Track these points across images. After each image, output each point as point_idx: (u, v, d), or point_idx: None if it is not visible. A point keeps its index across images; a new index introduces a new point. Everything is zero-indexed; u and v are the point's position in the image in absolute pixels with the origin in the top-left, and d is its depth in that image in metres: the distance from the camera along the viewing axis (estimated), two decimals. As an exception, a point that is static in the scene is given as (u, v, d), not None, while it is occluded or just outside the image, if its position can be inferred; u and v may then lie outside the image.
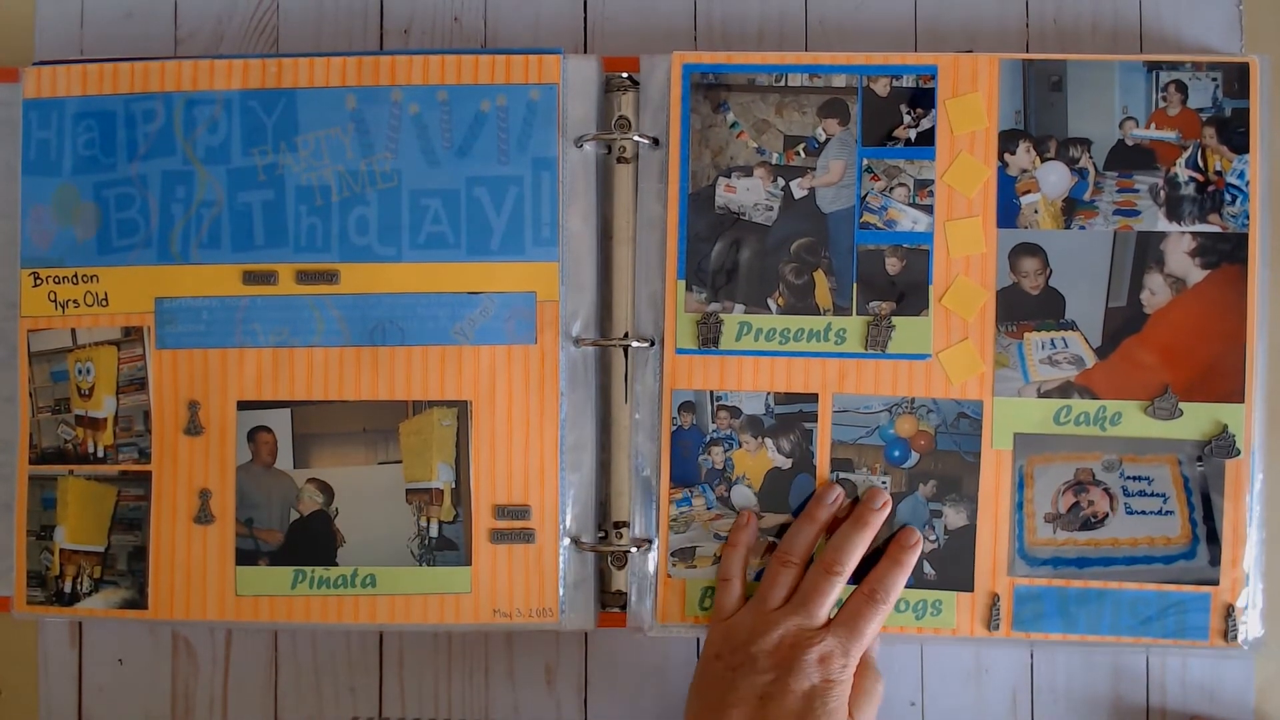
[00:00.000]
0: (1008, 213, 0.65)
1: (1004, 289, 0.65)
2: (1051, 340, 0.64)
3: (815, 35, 0.70)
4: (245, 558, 0.66)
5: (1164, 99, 0.64)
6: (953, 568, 0.64)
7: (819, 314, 0.65)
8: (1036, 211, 0.64)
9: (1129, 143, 0.64)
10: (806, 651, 0.59)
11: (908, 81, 0.65)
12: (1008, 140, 0.65)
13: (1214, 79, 0.64)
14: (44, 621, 0.70)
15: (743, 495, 0.65)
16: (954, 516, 0.65)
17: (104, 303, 0.67)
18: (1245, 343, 0.64)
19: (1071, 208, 0.64)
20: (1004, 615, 0.64)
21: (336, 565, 0.66)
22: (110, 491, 0.67)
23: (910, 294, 0.65)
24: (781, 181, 0.65)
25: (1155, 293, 0.64)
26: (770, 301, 0.65)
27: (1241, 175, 0.64)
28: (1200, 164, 0.64)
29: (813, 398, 0.65)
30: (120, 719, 0.70)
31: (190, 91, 0.66)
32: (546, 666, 0.69)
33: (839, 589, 0.62)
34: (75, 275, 0.67)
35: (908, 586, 0.64)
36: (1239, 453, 0.63)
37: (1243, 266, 0.64)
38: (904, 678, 0.68)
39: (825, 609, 0.61)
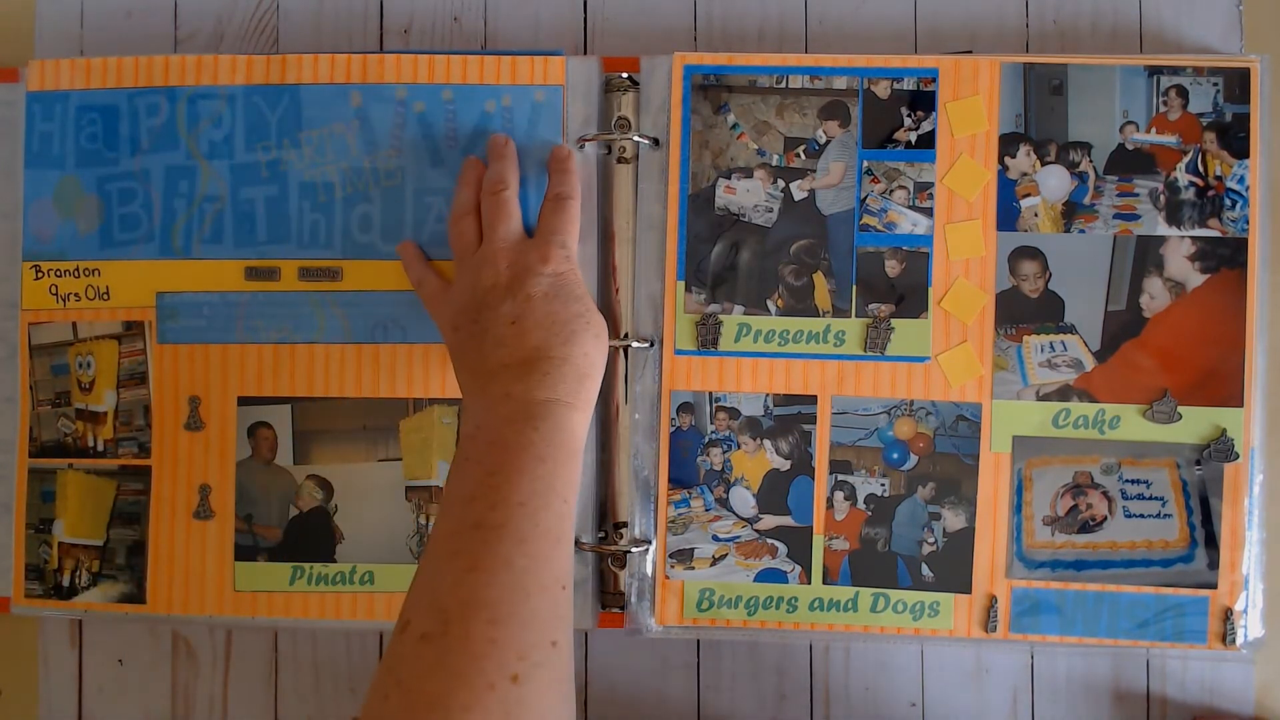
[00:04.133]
0: (1007, 216, 0.65)
1: (1003, 292, 0.65)
2: (1050, 343, 0.64)
3: (815, 35, 0.70)
4: (244, 553, 0.66)
5: (1165, 103, 0.64)
6: (951, 570, 0.64)
7: (818, 316, 0.65)
8: (1036, 215, 0.65)
9: (1129, 147, 0.64)
10: (527, 261, 0.59)
11: (908, 84, 0.65)
12: (1008, 143, 0.65)
13: (1215, 84, 0.64)
14: (44, 621, 0.70)
15: (741, 497, 0.65)
16: (952, 519, 0.65)
17: (105, 296, 0.67)
18: (1244, 347, 0.64)
19: (1071, 211, 0.64)
20: (1001, 617, 0.64)
21: (335, 562, 0.66)
22: (110, 485, 0.67)
23: (909, 296, 0.65)
24: (781, 183, 0.65)
25: (1154, 297, 0.64)
26: (769, 303, 0.65)
27: (1241, 180, 0.64)
28: (1200, 169, 0.64)
29: (811, 399, 0.65)
30: (120, 719, 0.70)
31: (194, 86, 0.67)
32: (545, 666, 0.69)
33: (513, 203, 0.62)
34: (77, 269, 0.67)
35: (905, 588, 0.64)
36: (1238, 456, 0.63)
37: (1242, 271, 0.64)
38: (904, 678, 0.68)
39: (511, 222, 0.62)
